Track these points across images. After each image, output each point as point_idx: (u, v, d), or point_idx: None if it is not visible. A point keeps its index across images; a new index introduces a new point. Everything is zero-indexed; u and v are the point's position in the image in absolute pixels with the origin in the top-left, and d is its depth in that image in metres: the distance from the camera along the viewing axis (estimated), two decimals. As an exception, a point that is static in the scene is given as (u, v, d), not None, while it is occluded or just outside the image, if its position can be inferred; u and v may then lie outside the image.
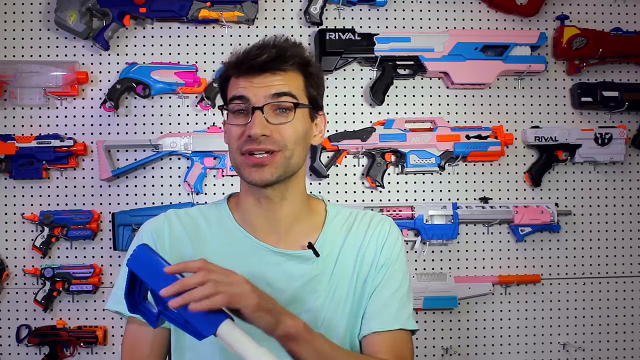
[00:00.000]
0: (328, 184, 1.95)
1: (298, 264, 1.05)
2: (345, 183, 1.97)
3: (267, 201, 1.05)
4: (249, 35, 1.95)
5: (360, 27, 1.97)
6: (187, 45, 1.94)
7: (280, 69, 1.01)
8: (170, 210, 1.12)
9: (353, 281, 1.08)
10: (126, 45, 1.93)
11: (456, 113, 2.01)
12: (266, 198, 1.05)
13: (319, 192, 1.90)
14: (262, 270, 1.04)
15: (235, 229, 1.08)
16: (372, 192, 1.97)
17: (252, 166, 1.00)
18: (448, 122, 1.98)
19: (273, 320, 0.88)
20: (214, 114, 1.93)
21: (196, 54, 1.95)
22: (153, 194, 1.92)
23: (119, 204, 1.91)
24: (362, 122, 1.98)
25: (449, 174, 1.99)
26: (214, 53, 1.95)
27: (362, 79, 1.99)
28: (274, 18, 1.97)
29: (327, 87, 1.97)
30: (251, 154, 1.00)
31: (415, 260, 1.96)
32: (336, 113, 1.98)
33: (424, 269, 1.97)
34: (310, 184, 1.95)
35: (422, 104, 2.01)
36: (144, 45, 1.94)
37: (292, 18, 1.98)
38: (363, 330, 1.08)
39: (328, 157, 1.94)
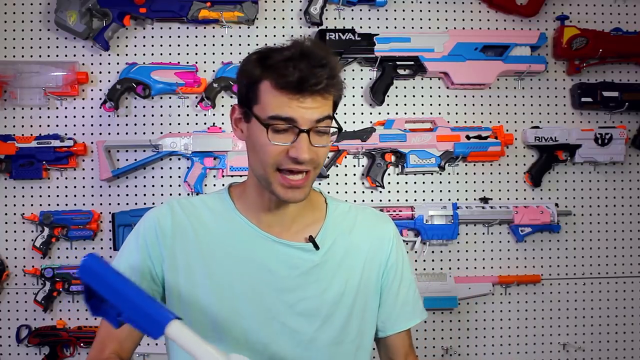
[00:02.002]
0: (328, 184, 1.95)
1: (299, 253, 1.08)
2: (345, 183, 1.97)
3: (277, 202, 1.07)
4: (249, 36, 1.96)
5: (360, 27, 1.97)
6: (187, 45, 1.94)
7: (329, 93, 1.00)
8: (172, 199, 1.14)
9: (357, 275, 1.12)
10: (126, 46, 1.93)
11: (456, 113, 2.01)
12: (277, 201, 1.06)
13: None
14: (265, 257, 1.07)
15: (238, 218, 1.09)
16: (372, 192, 1.98)
17: (288, 187, 1.00)
18: (448, 122, 1.98)
19: None
20: (214, 114, 1.93)
21: (196, 54, 1.95)
22: (153, 194, 1.92)
23: (119, 204, 1.91)
24: (362, 122, 1.98)
25: (449, 174, 1.99)
26: (214, 53, 1.95)
27: (362, 79, 1.99)
28: (274, 18, 1.97)
29: (327, 87, 1.97)
30: (288, 171, 1.00)
31: (416, 261, 1.96)
32: (336, 113, 1.97)
33: (424, 269, 1.97)
34: (310, 184, 1.95)
35: (422, 104, 2.01)
36: (144, 46, 1.94)
37: (292, 18, 1.98)
38: (387, 330, 1.16)
39: (328, 157, 1.93)
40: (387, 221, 1.19)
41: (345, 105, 1.98)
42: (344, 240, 1.12)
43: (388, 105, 1.99)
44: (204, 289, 1.05)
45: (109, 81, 1.91)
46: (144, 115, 1.93)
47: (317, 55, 0.98)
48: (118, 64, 1.92)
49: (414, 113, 2.00)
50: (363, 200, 1.97)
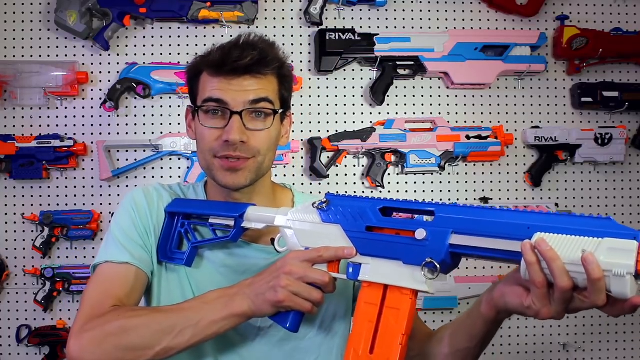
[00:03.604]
0: (328, 184, 1.95)
1: (263, 255, 1.06)
2: (346, 183, 1.97)
3: (229, 196, 1.07)
4: (249, 36, 1.95)
5: (360, 27, 1.97)
6: (187, 45, 1.94)
7: (260, 73, 1.01)
8: (156, 184, 1.15)
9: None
10: (126, 46, 1.93)
11: (456, 113, 2.01)
12: (233, 199, 1.06)
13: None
14: (237, 261, 1.06)
15: None
16: (372, 192, 1.97)
17: (227, 170, 1.01)
18: (448, 122, 1.98)
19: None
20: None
21: (196, 54, 1.92)
22: (153, 194, 1.92)
23: (118, 204, 1.90)
24: (362, 122, 1.98)
25: (449, 174, 1.99)
26: (214, 53, 1.94)
27: (362, 79, 1.99)
28: (274, 18, 1.97)
29: (327, 87, 1.97)
30: (225, 157, 1.01)
31: (415, 261, 1.96)
32: (336, 113, 1.98)
33: (424, 269, 1.97)
34: (311, 184, 1.95)
35: (422, 104, 2.01)
36: (144, 45, 1.94)
37: (292, 18, 1.98)
38: None
39: (328, 157, 1.94)
40: None
41: (345, 105, 1.98)
42: None
43: (388, 105, 1.99)
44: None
45: (109, 81, 1.91)
46: (144, 115, 1.93)
47: (251, 41, 1.01)
48: (118, 64, 1.92)
49: (414, 113, 2.00)
50: (363, 200, 1.96)
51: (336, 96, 1.98)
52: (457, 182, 2.00)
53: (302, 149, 1.95)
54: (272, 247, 1.02)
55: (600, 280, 0.66)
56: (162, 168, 1.93)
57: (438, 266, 0.78)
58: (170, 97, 1.93)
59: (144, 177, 1.92)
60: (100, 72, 1.92)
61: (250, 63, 0.99)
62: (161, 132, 1.92)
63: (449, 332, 0.97)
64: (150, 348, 0.90)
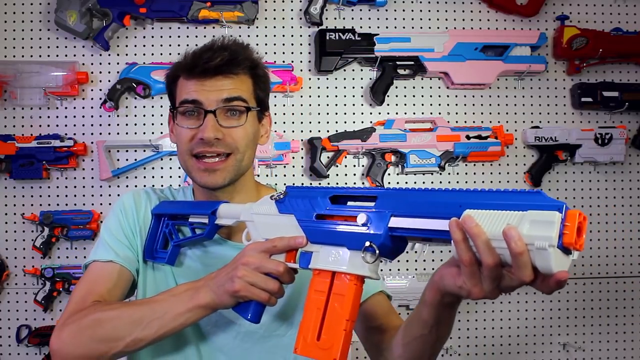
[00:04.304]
0: (328, 184, 1.95)
1: (237, 251, 1.03)
2: (346, 183, 1.97)
3: (209, 196, 1.10)
4: (249, 36, 1.96)
5: (360, 27, 1.97)
6: (187, 45, 1.94)
7: (232, 73, 1.04)
8: (147, 187, 1.19)
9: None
10: (126, 45, 1.93)
11: (456, 113, 2.01)
12: (216, 199, 1.08)
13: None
14: (213, 258, 1.08)
15: None
16: (372, 192, 1.97)
17: (204, 170, 1.04)
18: (448, 122, 1.98)
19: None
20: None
21: (196, 54, 1.94)
22: (153, 194, 1.92)
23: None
24: (362, 122, 1.98)
25: (449, 174, 1.99)
26: (214, 53, 1.94)
27: (362, 79, 1.99)
28: (274, 18, 1.97)
29: (327, 87, 1.97)
30: (202, 156, 1.04)
31: (416, 261, 1.96)
32: (336, 113, 1.98)
33: (424, 269, 1.97)
34: (311, 184, 1.95)
35: (422, 104, 2.01)
36: (144, 45, 1.94)
37: (292, 18, 1.98)
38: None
39: (328, 157, 1.94)
40: None
41: (345, 105, 1.98)
42: None
43: (388, 105, 1.99)
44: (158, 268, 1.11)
45: (109, 81, 1.91)
46: (144, 115, 1.93)
47: (223, 44, 1.04)
48: (118, 64, 1.92)
49: (414, 113, 2.00)
50: (363, 200, 1.97)
51: (336, 96, 1.98)
52: (457, 182, 2.00)
53: (302, 149, 1.96)
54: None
55: (522, 254, 0.63)
56: (162, 168, 1.93)
57: (377, 250, 0.78)
58: (170, 97, 1.93)
59: (144, 177, 1.92)
60: (100, 72, 1.92)
61: (220, 63, 1.02)
62: (161, 132, 1.91)
63: (405, 323, 0.97)
64: (121, 339, 0.94)
